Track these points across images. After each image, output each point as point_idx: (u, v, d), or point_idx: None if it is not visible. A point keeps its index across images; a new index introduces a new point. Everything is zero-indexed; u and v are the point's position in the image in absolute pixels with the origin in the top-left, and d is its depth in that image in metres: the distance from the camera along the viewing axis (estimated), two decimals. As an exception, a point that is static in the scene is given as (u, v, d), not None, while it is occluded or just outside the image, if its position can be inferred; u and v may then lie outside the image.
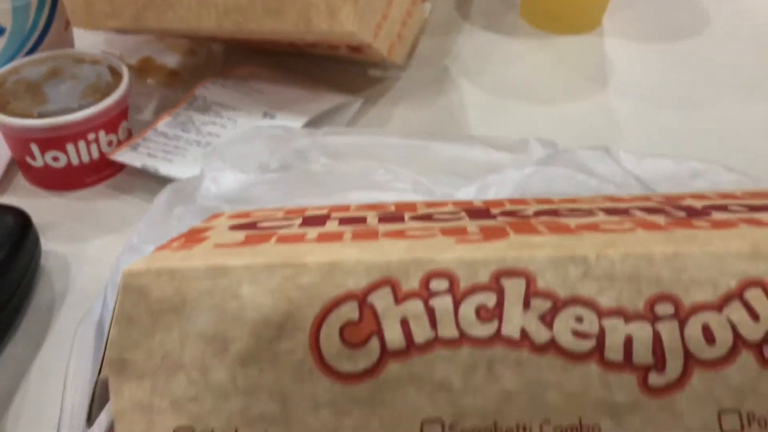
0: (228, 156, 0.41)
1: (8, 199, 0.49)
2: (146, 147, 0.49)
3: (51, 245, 0.46)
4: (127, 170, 0.51)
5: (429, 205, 0.31)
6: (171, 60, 0.63)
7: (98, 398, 0.22)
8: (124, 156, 0.49)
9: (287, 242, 0.24)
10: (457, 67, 0.64)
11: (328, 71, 0.60)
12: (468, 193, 0.40)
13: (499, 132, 0.54)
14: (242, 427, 0.21)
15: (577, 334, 0.21)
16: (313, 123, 0.52)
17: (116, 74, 0.50)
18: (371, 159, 0.43)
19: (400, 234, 0.24)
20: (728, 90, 0.60)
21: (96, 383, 0.22)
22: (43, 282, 0.44)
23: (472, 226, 0.25)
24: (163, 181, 0.47)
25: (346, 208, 0.32)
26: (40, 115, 0.46)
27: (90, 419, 0.22)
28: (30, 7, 0.51)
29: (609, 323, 0.21)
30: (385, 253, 0.22)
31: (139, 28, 0.51)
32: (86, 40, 0.61)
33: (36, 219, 0.44)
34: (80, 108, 0.47)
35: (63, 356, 0.40)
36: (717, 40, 0.67)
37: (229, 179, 0.39)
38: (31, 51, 0.53)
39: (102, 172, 0.50)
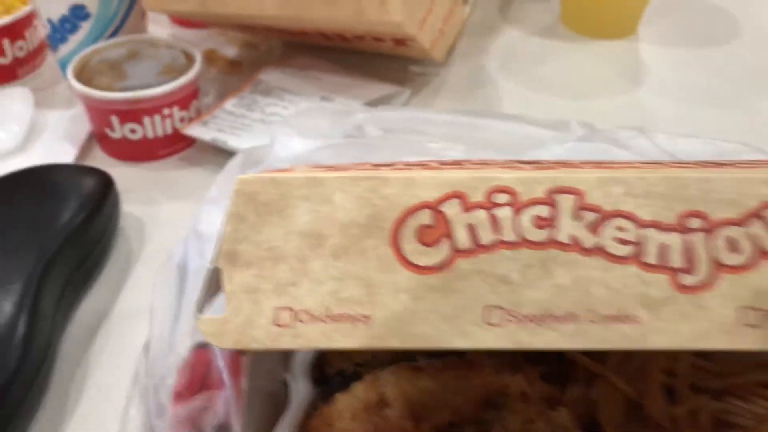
0: (295, 126, 0.45)
1: (87, 168, 0.54)
2: (215, 123, 0.54)
3: (127, 208, 0.50)
4: (197, 146, 0.55)
5: (482, 161, 0.35)
6: (233, 52, 0.67)
7: (208, 289, 0.26)
8: (195, 130, 0.53)
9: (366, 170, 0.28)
10: (496, 64, 0.68)
11: (374, 66, 0.64)
12: (513, 164, 0.44)
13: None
14: (333, 306, 0.24)
15: (619, 240, 0.24)
16: (366, 106, 0.57)
17: (189, 58, 0.55)
18: (423, 134, 0.47)
19: (463, 167, 0.28)
20: (756, 91, 0.63)
21: (207, 277, 0.26)
22: (121, 238, 0.48)
23: (524, 166, 0.29)
24: (230, 154, 0.52)
25: (406, 162, 0.36)
26: (121, 90, 0.51)
27: (201, 308, 0.26)
28: (114, -5, 0.56)
29: (647, 233, 0.24)
30: (454, 174, 0.26)
31: (204, 12, 0.56)
32: (157, 34, 0.67)
33: (114, 184, 0.49)
34: (157, 85, 0.51)
35: (138, 301, 0.44)
36: (746, 46, 0.71)
37: (296, 144, 0.44)
38: (112, 35, 0.58)
39: (174, 145, 0.54)
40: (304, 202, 0.25)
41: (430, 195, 0.25)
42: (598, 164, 0.31)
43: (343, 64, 0.63)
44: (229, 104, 0.56)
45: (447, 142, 0.45)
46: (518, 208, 0.25)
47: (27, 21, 0.62)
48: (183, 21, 0.72)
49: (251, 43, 0.68)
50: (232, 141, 0.52)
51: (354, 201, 0.25)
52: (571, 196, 0.25)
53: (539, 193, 0.25)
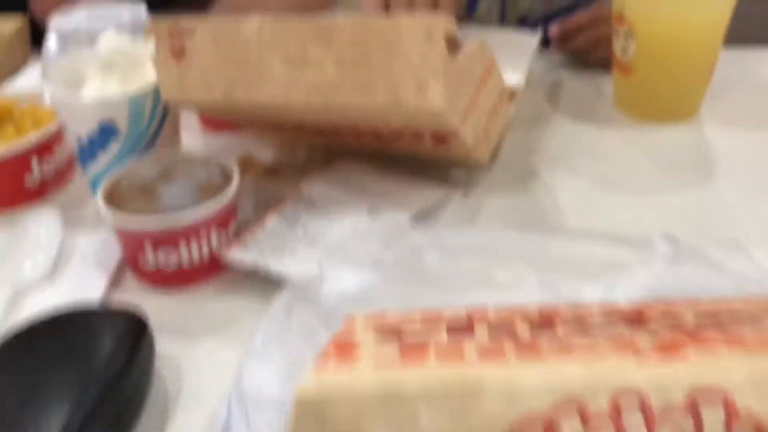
0: (345, 253, 0.41)
1: (118, 297, 0.50)
2: (256, 245, 0.49)
3: (163, 346, 0.45)
4: (235, 268, 0.51)
5: (574, 309, 0.30)
6: (269, 157, 0.64)
7: None
8: (235, 254, 0.49)
9: (449, 359, 0.23)
10: (549, 159, 0.63)
11: (416, 171, 0.59)
12: (593, 292, 0.38)
13: (601, 226, 0.53)
14: None
15: (790, 465, 0.19)
16: (416, 217, 0.52)
17: (226, 174, 0.51)
18: (487, 256, 0.42)
19: (566, 349, 0.23)
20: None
21: None
22: (157, 383, 0.44)
23: (639, 338, 0.24)
24: (272, 279, 0.47)
25: (484, 311, 0.30)
26: (155, 214, 0.47)
27: None
28: (144, 112, 0.53)
29: (826, 453, 0.19)
30: (565, 373, 0.21)
31: (229, 103, 0.52)
32: (188, 143, 0.63)
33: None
34: (194, 207, 0.47)
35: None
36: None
37: (347, 279, 0.39)
38: (144, 152, 0.54)
39: (211, 270, 0.50)
40: (383, 422, 0.20)
41: (540, 405, 0.20)
42: (718, 323, 0.26)
43: (386, 170, 0.59)
44: (270, 222, 0.52)
45: (516, 266, 0.40)
46: (653, 421, 0.20)
47: (57, 137, 0.59)
48: (214, 125, 0.69)
49: (289, 148, 0.65)
50: (274, 265, 0.47)
51: (445, 420, 0.20)
52: (718, 402, 0.20)
53: (677, 398, 0.20)
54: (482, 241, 0.43)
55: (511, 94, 0.66)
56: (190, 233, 0.48)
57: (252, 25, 0.50)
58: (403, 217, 0.51)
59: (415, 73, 0.46)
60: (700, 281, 0.37)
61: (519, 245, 0.42)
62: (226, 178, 0.51)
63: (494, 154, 0.62)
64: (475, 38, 0.49)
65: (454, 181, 0.60)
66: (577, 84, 0.76)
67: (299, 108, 0.50)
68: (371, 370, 0.22)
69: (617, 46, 0.66)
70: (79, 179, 0.62)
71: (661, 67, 0.64)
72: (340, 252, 0.41)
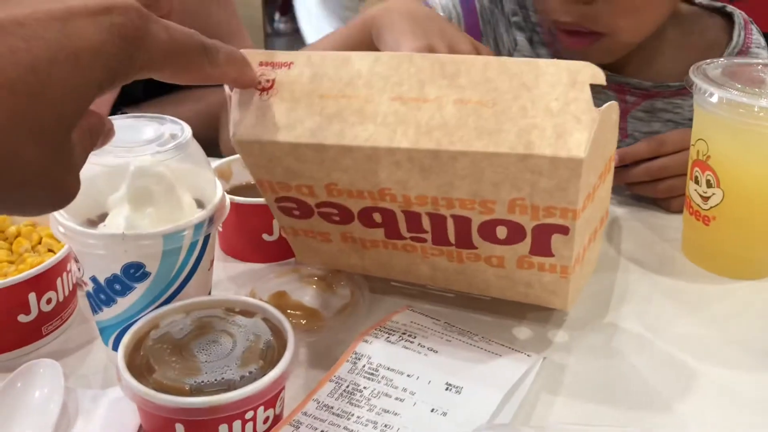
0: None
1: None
2: (310, 427, 0.40)
3: None
4: (280, 452, 0.41)
5: None
6: (308, 297, 0.55)
7: None
8: (285, 441, 0.39)
9: None
10: (627, 314, 0.55)
11: (485, 326, 0.52)
12: None
13: (700, 404, 0.46)
14: None
15: None
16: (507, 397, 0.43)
17: (276, 330, 0.42)
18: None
19: None
20: None
21: None
22: None
23: None
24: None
25: None
26: (193, 390, 0.38)
27: None
28: (180, 251, 0.44)
29: None
30: None
31: (313, 146, 0.42)
32: (220, 273, 0.54)
33: None
34: (242, 382, 0.38)
35: None
36: None
37: None
38: (172, 297, 0.45)
39: (254, 456, 0.40)
40: None
41: None
42: None
43: (452, 328, 0.50)
44: (323, 393, 0.43)
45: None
46: None
47: (61, 266, 0.49)
48: (239, 254, 0.61)
49: (331, 285, 0.56)
50: (339, 460, 0.38)
51: None
52: None
53: None
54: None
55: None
56: (232, 415, 0.38)
57: (365, 59, 0.43)
58: (492, 400, 0.42)
59: (554, 118, 0.39)
60: None
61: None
62: (277, 337, 0.42)
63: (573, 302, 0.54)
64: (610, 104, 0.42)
65: (526, 341, 0.51)
66: (635, 223, 0.69)
67: (400, 156, 0.42)
68: None
69: (694, 192, 0.60)
70: (81, 312, 0.53)
71: (748, 222, 0.58)
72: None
